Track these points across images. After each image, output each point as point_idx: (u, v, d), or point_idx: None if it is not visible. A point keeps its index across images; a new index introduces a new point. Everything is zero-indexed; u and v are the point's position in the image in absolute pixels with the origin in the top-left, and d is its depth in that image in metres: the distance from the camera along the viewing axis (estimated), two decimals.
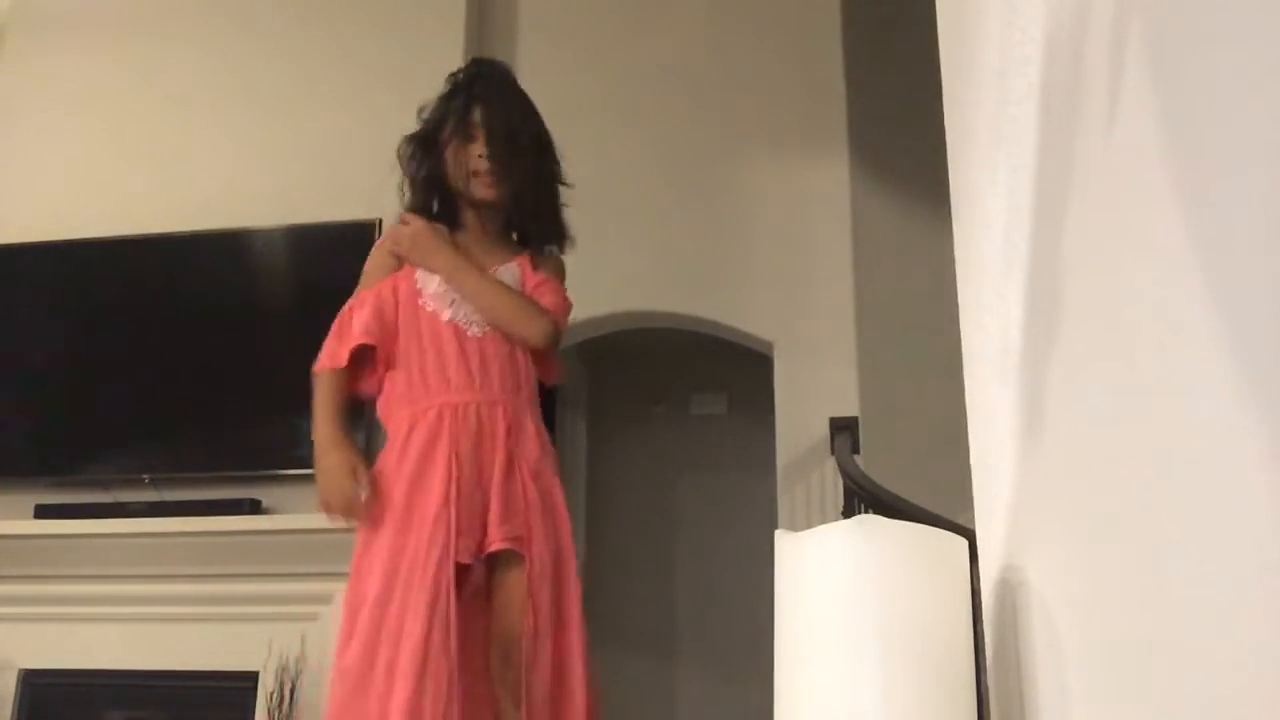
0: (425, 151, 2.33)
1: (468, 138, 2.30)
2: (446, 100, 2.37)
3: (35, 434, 4.33)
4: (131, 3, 4.82)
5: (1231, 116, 0.57)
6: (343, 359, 2.20)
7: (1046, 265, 0.98)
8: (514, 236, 2.44)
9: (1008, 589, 1.17)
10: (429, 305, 2.24)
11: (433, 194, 2.33)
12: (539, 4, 4.70)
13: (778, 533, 1.21)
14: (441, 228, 2.31)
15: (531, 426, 2.22)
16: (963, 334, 1.51)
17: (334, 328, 2.26)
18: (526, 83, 4.67)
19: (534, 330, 2.29)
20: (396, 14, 4.54)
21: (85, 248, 4.38)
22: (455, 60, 4.48)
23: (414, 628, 1.98)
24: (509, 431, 2.17)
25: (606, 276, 4.33)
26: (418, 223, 2.30)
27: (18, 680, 4.02)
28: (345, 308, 2.28)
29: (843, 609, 1.10)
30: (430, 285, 2.26)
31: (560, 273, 2.41)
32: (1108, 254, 0.80)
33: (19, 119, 4.72)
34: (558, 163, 2.41)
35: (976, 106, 1.35)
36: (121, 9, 4.80)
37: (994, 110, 1.22)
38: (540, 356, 2.35)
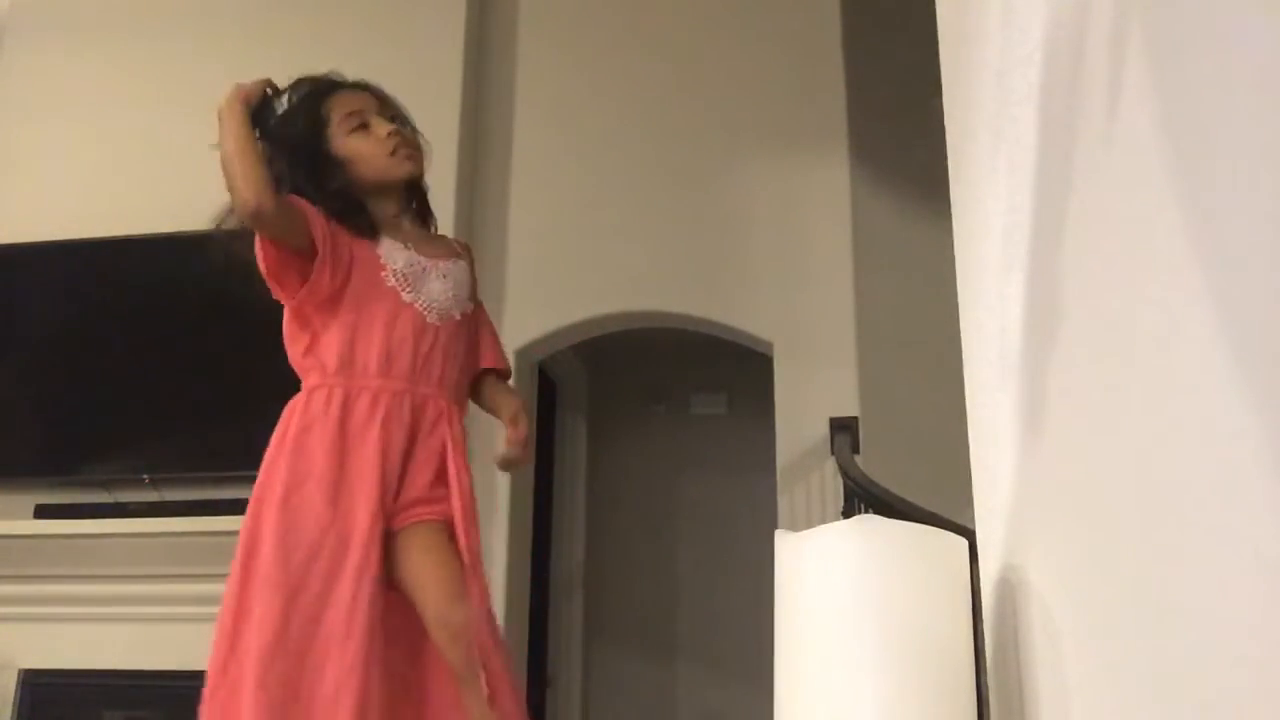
0: (318, 165, 2.18)
1: (362, 125, 2.23)
2: (305, 114, 2.21)
3: (35, 434, 4.33)
4: (131, 4, 4.82)
5: (1231, 117, 0.57)
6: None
7: (1046, 266, 0.98)
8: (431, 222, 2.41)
9: (1008, 589, 1.17)
10: (390, 281, 2.17)
11: (349, 204, 2.20)
12: (539, 4, 4.71)
13: (778, 533, 1.21)
14: None
15: (455, 426, 2.19)
16: (962, 334, 1.51)
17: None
18: (526, 83, 4.71)
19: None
20: (396, 14, 4.54)
21: (85, 248, 4.38)
22: (455, 60, 4.51)
23: (338, 616, 1.96)
24: (437, 420, 2.16)
25: (606, 276, 4.33)
26: None
27: (18, 680, 4.02)
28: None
29: (843, 609, 1.10)
30: (396, 261, 2.19)
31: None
32: (1107, 254, 0.80)
33: (19, 119, 4.72)
34: None
35: (977, 107, 1.35)
36: (121, 10, 4.80)
37: (994, 110, 1.22)
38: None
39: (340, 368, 2.12)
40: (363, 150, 2.21)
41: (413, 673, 2.14)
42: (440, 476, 2.14)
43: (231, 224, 2.12)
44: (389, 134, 2.22)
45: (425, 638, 2.12)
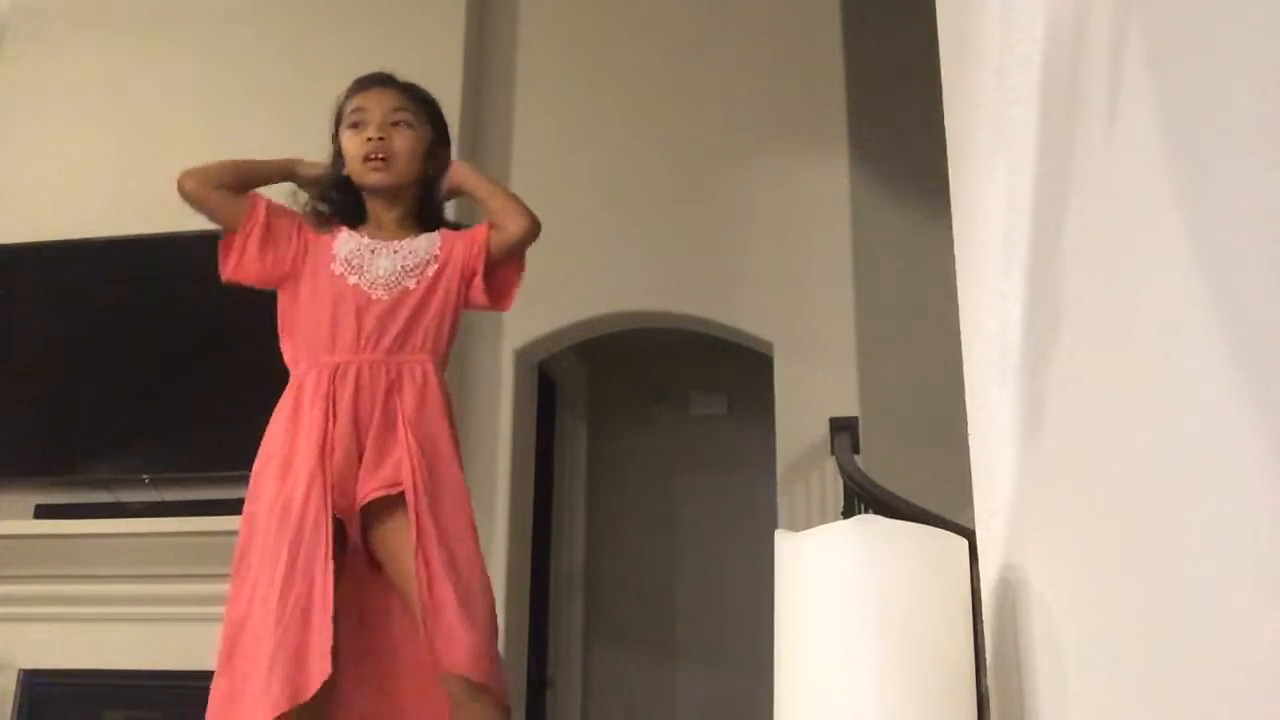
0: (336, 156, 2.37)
1: (354, 126, 2.32)
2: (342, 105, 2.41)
3: (35, 434, 4.33)
4: (131, 2, 4.82)
5: (1231, 116, 0.57)
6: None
7: (1046, 266, 0.98)
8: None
9: (1008, 589, 1.17)
10: (338, 269, 2.26)
11: (344, 192, 2.35)
12: (539, 6, 4.71)
13: (778, 533, 1.21)
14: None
15: (415, 381, 2.20)
16: (962, 334, 1.51)
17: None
18: (526, 85, 4.71)
19: (528, 218, 2.38)
20: (396, 15, 4.54)
21: (85, 248, 4.38)
22: (455, 61, 4.51)
23: (275, 583, 2.02)
24: (389, 388, 2.18)
25: (606, 276, 4.33)
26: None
27: (18, 680, 4.02)
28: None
29: (843, 609, 1.10)
30: (344, 250, 2.27)
31: None
32: (1108, 254, 0.80)
33: (19, 118, 4.72)
34: (449, 143, 2.44)
35: (976, 107, 1.35)
36: (121, 8, 4.80)
37: (994, 110, 1.22)
38: (509, 266, 2.36)
39: (300, 355, 2.23)
40: (347, 149, 2.33)
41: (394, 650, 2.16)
42: (393, 436, 2.15)
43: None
44: (366, 140, 2.30)
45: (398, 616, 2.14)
